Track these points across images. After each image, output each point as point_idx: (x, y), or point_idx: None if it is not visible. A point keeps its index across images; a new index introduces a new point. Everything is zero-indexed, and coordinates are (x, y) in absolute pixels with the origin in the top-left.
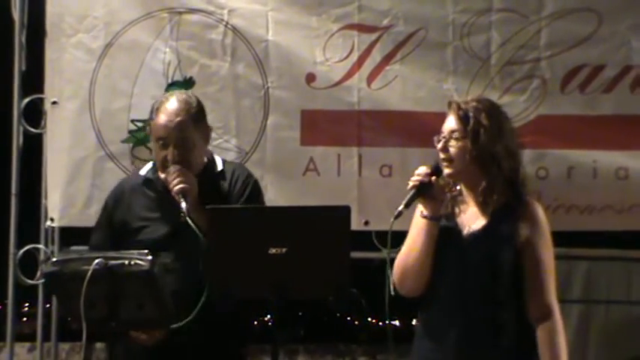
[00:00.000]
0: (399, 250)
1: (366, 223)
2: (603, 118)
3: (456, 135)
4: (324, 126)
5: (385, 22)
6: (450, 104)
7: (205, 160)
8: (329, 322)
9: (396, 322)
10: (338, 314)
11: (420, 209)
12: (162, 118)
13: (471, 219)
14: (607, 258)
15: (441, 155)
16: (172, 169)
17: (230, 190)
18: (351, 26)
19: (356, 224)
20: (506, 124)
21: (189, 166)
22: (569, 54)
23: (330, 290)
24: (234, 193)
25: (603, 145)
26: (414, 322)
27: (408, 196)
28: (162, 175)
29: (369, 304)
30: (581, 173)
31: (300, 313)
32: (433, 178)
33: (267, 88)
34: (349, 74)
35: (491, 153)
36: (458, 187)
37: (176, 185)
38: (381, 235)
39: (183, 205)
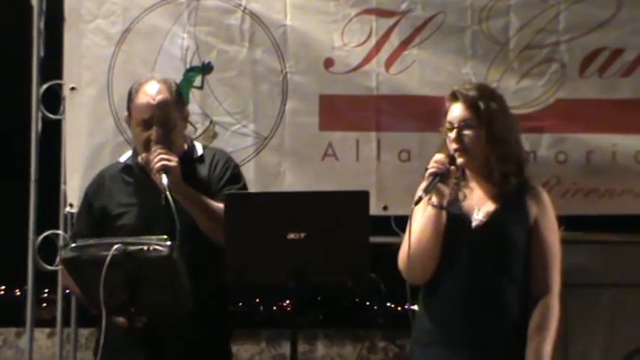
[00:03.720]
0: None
1: (385, 208)
2: (622, 101)
3: (470, 124)
4: (342, 111)
5: (403, 6)
6: (454, 94)
7: (185, 146)
8: (348, 307)
9: (415, 307)
10: (357, 299)
11: (425, 198)
12: (143, 99)
13: (479, 203)
14: (626, 242)
15: (454, 145)
16: (154, 148)
17: (209, 174)
18: (369, 11)
19: (375, 209)
20: (508, 108)
21: (171, 146)
22: (587, 38)
23: (349, 275)
24: (213, 177)
25: (622, 128)
26: None
27: (428, 183)
28: (141, 159)
29: (388, 289)
30: (600, 157)
31: (319, 298)
32: (452, 167)
33: (286, 73)
34: (367, 59)
35: (505, 137)
36: (459, 173)
37: (157, 163)
38: (400, 219)
39: (165, 180)
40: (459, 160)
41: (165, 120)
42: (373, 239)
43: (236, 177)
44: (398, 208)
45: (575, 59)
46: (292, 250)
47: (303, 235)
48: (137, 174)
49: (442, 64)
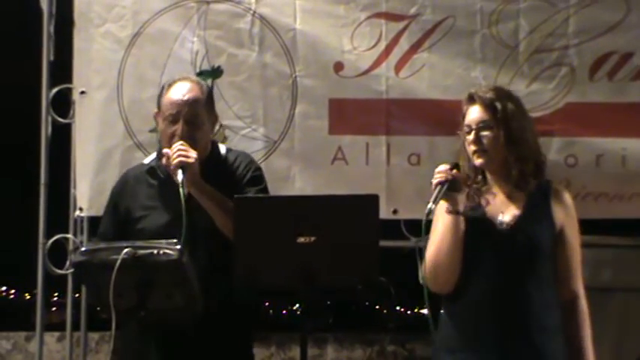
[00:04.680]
0: (429, 238)
1: (395, 211)
2: (632, 105)
3: (487, 125)
4: (352, 115)
5: (413, 10)
6: (471, 96)
7: (209, 147)
8: (358, 311)
9: (424, 311)
10: (367, 303)
11: (445, 206)
12: (174, 94)
13: (503, 207)
14: (636, 246)
15: (473, 147)
16: (176, 144)
17: (231, 176)
18: (378, 15)
19: (384, 213)
20: (525, 109)
21: (195, 144)
22: (597, 41)
23: (359, 279)
24: (235, 178)
25: (632, 132)
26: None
27: (435, 193)
28: (164, 160)
29: (398, 292)
30: (610, 161)
31: (328, 302)
32: (454, 171)
33: (295, 77)
34: (377, 63)
35: (523, 138)
36: (480, 178)
37: (175, 159)
38: (410, 223)
39: (180, 177)
40: (478, 162)
41: (192, 117)
42: (383, 243)
43: (257, 179)
44: (408, 211)
45: (585, 63)
46: (302, 254)
47: (312, 238)
48: (161, 176)
49: (452, 68)
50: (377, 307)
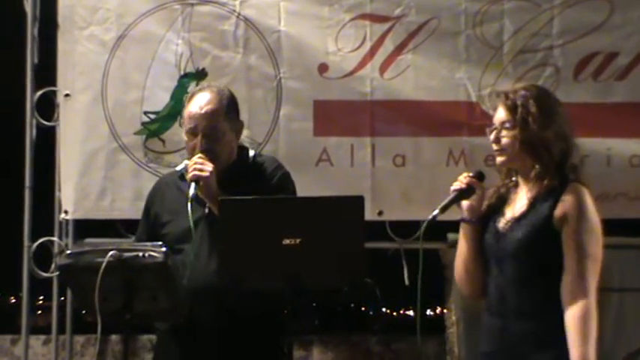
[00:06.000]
0: (412, 240)
1: (380, 213)
2: (617, 105)
3: (506, 125)
4: (337, 116)
5: (397, 11)
6: (498, 95)
7: (236, 153)
8: (343, 313)
9: (410, 312)
10: (352, 305)
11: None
12: (192, 108)
13: (515, 209)
14: (620, 246)
15: (494, 147)
16: (194, 157)
17: (258, 180)
18: (363, 16)
19: (370, 214)
20: (556, 108)
21: (215, 156)
22: (581, 42)
23: (345, 280)
24: (262, 182)
25: (617, 132)
26: (427, 312)
27: (446, 200)
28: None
29: (383, 294)
30: (595, 161)
31: (314, 304)
32: (474, 180)
33: (280, 78)
34: (362, 64)
35: (541, 139)
36: (514, 179)
37: (191, 172)
38: (395, 224)
39: (191, 190)
40: (498, 160)
41: (210, 131)
42: (368, 245)
43: (283, 185)
44: (393, 213)
45: (570, 63)
46: (287, 256)
47: (298, 240)
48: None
49: (436, 69)
50: (362, 308)
